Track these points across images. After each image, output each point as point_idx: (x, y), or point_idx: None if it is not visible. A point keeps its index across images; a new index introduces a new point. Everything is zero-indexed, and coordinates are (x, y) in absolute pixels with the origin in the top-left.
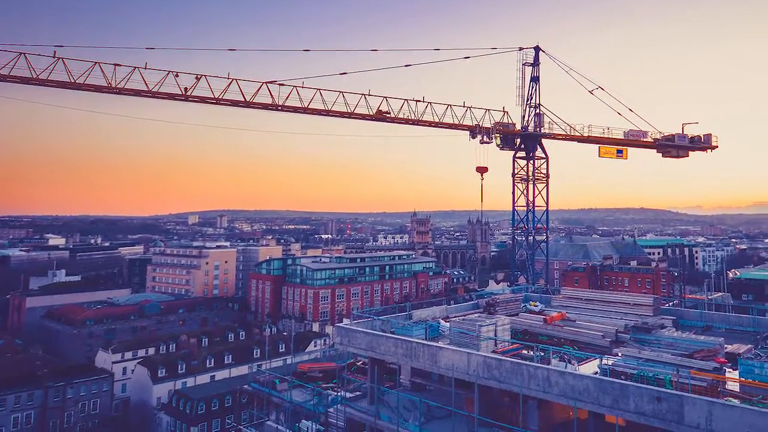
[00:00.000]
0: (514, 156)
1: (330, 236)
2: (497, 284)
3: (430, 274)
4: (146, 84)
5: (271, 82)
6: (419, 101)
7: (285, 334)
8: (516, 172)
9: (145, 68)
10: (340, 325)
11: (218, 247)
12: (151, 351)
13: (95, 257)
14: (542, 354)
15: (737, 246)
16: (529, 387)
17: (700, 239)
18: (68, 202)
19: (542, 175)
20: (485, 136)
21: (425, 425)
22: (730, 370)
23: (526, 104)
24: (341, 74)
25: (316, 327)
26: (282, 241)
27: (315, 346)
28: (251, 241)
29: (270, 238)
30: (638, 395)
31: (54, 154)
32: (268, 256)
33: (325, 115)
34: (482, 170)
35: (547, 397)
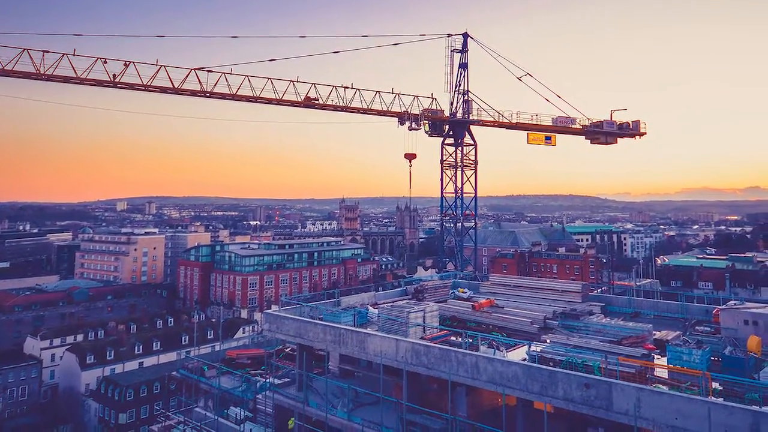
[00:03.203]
0: (443, 142)
1: (259, 223)
2: (426, 271)
3: (359, 260)
4: (75, 71)
5: (199, 69)
6: (347, 88)
7: (213, 320)
8: (444, 158)
9: (74, 55)
10: (269, 311)
11: (147, 233)
12: (80, 338)
13: (23, 244)
14: (471, 341)
15: (666, 232)
16: (458, 373)
17: (629, 226)
18: None
19: (471, 161)
20: (414, 123)
21: (354, 412)
22: (659, 356)
23: (455, 91)
24: (270, 61)
25: (244, 314)
26: (211, 227)
27: (243, 332)
28: (180, 227)
29: (198, 224)
30: (567, 382)
31: None
32: (197, 242)
33: (253, 101)
34: (411, 157)
35: (476, 384)
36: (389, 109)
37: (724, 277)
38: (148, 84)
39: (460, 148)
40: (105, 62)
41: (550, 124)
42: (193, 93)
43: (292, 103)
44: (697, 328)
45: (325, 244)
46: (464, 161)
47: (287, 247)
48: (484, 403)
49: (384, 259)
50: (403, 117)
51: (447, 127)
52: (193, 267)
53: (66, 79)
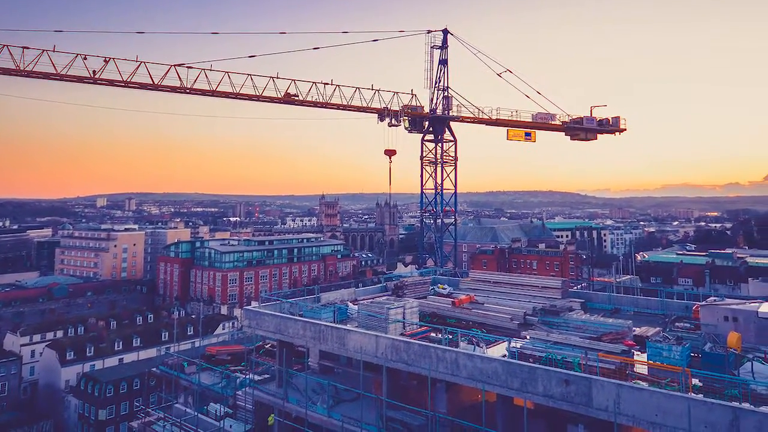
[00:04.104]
0: (423, 139)
1: (238, 219)
2: (405, 267)
3: (339, 256)
4: (55, 67)
5: (179, 65)
6: (327, 84)
7: (193, 316)
8: (424, 154)
9: (54, 51)
10: (249, 308)
11: (126, 229)
12: (60, 334)
13: (3, 240)
14: (450, 337)
15: (645, 229)
16: (438, 370)
17: (609, 222)
18: None
19: (450, 157)
20: (393, 119)
21: (333, 408)
22: (638, 352)
23: (435, 87)
24: (250, 57)
25: (224, 310)
26: (190, 223)
27: (223, 328)
28: (159, 223)
29: (178, 220)
30: (546, 378)
31: None
32: (177, 239)
33: (233, 97)
34: (390, 153)
35: (456, 380)
36: (369, 105)
37: (703, 274)
38: (128, 80)
39: (439, 144)
40: (85, 58)
41: (530, 120)
42: (173, 89)
43: (272, 100)
44: (676, 324)
45: (304, 241)
46: (444, 157)
47: (267, 243)
48: (464, 399)
49: (364, 256)
50: (382, 113)
51: (427, 123)
52: (173, 263)
53: (46, 76)
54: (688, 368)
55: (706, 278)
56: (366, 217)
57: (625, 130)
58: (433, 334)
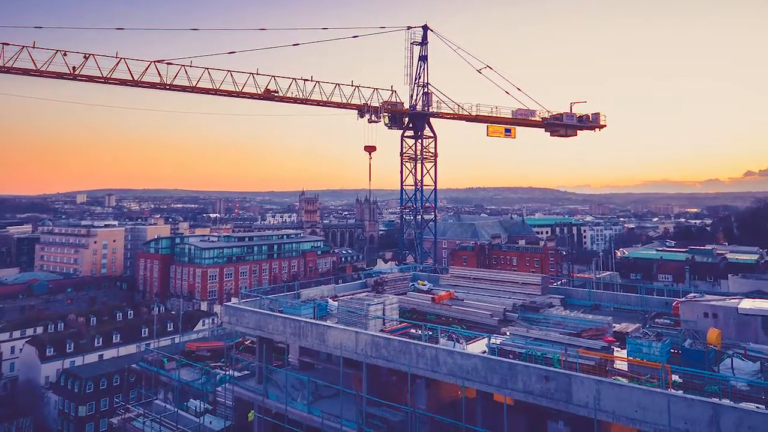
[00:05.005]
0: (403, 135)
1: (218, 215)
2: (385, 263)
3: (319, 253)
4: (35, 63)
5: (159, 61)
6: (307, 80)
7: (173, 313)
8: (404, 151)
9: (34, 47)
10: (229, 304)
11: (106, 226)
12: (40, 330)
13: None
14: (430, 333)
15: (625, 225)
16: (418, 366)
17: (589, 218)
18: None
19: (430, 154)
20: (373, 115)
21: (313, 404)
22: (618, 349)
23: (415, 83)
24: (230, 53)
25: (204, 306)
26: (170, 220)
27: (203, 325)
28: (139, 220)
29: (158, 217)
30: (526, 374)
31: None
32: (157, 235)
33: (213, 94)
34: (370, 149)
35: (436, 376)
36: (349, 101)
37: (683, 270)
38: (108, 76)
39: (419, 140)
40: (65, 54)
41: (510, 116)
42: (152, 85)
43: (252, 96)
44: (656, 320)
45: (285, 237)
46: (424, 154)
47: (247, 239)
48: (444, 395)
49: (344, 252)
50: (362, 109)
51: (407, 119)
52: (153, 259)
53: (26, 72)
54: (668, 364)
55: (686, 274)
56: (346, 213)
57: (605, 126)
58: (413, 331)
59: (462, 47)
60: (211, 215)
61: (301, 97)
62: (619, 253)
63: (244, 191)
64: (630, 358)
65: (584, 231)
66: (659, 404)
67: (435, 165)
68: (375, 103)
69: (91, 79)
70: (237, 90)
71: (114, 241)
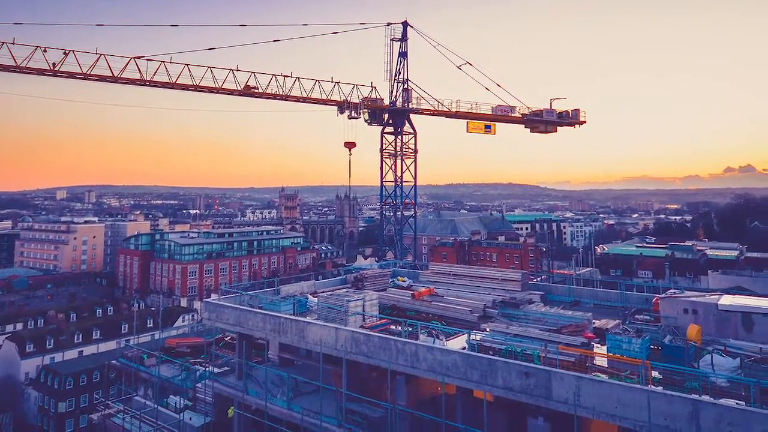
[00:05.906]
0: (382, 131)
1: (198, 211)
2: (365, 259)
3: (299, 249)
4: (14, 59)
5: (139, 58)
6: (287, 76)
7: (153, 309)
8: (384, 147)
9: (13, 43)
10: (209, 300)
11: (86, 222)
12: (19, 326)
13: None
14: (410, 329)
15: (605, 221)
16: (397, 362)
17: (569, 214)
18: None
19: (410, 150)
20: (353, 112)
21: (293, 400)
22: (598, 345)
23: (394, 79)
24: (210, 49)
25: (184, 302)
26: (150, 216)
27: (183, 321)
28: (119, 216)
29: (138, 213)
30: (506, 370)
31: None
32: (136, 231)
33: (193, 90)
34: (350, 145)
35: (416, 373)
36: (329, 97)
37: (663, 266)
38: (88, 72)
39: (399, 136)
40: (45, 51)
41: (490, 112)
42: (132, 82)
43: (231, 92)
44: (636, 316)
45: (264, 233)
46: (404, 150)
47: (227, 235)
48: (424, 391)
49: (324, 248)
50: (342, 105)
51: (386, 115)
52: (133, 256)
53: (6, 68)
54: (648, 360)
55: (666, 271)
56: (326, 209)
57: (585, 122)
58: (392, 327)
59: (442, 44)
60: (191, 211)
61: (280, 93)
62: (599, 249)
63: (224, 187)
64: (610, 354)
65: (564, 227)
66: (639, 400)
67: (415, 161)
68: (355, 100)
69: (71, 75)
70: (217, 86)
71: (94, 237)
